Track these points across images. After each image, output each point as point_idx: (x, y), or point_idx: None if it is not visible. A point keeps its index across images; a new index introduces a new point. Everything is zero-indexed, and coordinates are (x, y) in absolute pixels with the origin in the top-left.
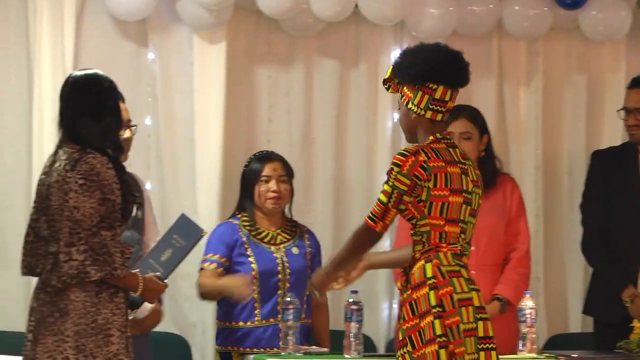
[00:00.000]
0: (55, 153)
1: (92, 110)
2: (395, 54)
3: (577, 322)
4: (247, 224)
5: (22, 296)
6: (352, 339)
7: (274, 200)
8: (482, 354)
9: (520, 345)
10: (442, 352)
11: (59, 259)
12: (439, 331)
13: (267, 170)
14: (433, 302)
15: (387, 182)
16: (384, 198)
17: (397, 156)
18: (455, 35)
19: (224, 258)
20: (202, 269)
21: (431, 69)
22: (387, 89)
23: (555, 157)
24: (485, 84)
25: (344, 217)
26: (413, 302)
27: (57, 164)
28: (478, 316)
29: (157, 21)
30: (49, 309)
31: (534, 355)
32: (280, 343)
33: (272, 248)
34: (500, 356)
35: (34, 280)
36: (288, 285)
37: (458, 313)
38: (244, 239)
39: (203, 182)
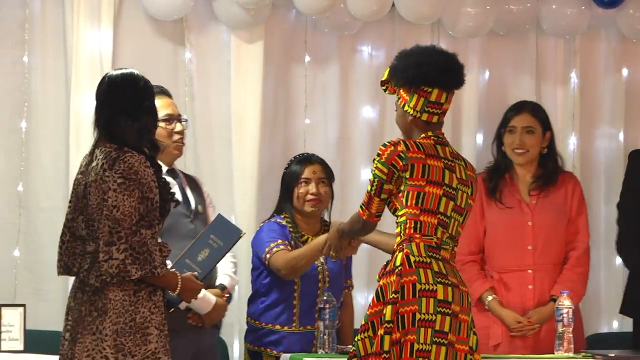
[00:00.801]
0: (92, 152)
1: (127, 109)
2: None
3: (613, 322)
4: (289, 225)
5: (58, 296)
6: None
7: (313, 203)
8: (434, 347)
9: (557, 344)
10: (387, 337)
11: (99, 258)
12: (388, 317)
13: (307, 172)
14: (394, 288)
15: (372, 173)
16: (368, 187)
17: (380, 147)
18: (492, 34)
19: (286, 242)
20: (272, 254)
21: (426, 73)
22: (385, 90)
23: (591, 156)
24: (522, 82)
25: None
26: (379, 289)
27: (94, 163)
28: (438, 309)
29: (194, 20)
30: (87, 308)
31: (571, 354)
32: (317, 342)
33: None
34: (537, 355)
35: (70, 280)
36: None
37: (417, 302)
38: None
39: (240, 182)
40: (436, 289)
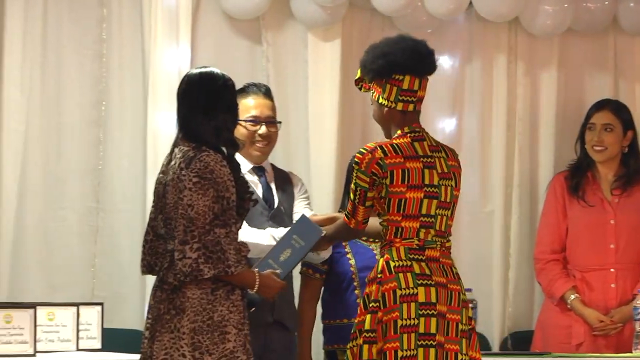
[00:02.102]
0: (172, 151)
1: (204, 108)
2: (512, 50)
3: None
4: None
5: (135, 295)
6: None
7: None
8: (421, 350)
9: (634, 343)
10: (366, 347)
11: (174, 257)
12: (367, 326)
13: None
14: (374, 297)
15: (352, 181)
16: (352, 196)
17: (357, 154)
18: (570, 32)
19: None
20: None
21: (393, 61)
22: (360, 89)
23: None
24: (600, 80)
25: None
26: (365, 297)
27: (172, 162)
28: (421, 312)
29: (271, 19)
30: (165, 306)
31: None
32: None
33: (372, 245)
34: (617, 355)
35: (149, 279)
36: None
37: (398, 309)
38: None
39: (317, 181)
40: (417, 292)
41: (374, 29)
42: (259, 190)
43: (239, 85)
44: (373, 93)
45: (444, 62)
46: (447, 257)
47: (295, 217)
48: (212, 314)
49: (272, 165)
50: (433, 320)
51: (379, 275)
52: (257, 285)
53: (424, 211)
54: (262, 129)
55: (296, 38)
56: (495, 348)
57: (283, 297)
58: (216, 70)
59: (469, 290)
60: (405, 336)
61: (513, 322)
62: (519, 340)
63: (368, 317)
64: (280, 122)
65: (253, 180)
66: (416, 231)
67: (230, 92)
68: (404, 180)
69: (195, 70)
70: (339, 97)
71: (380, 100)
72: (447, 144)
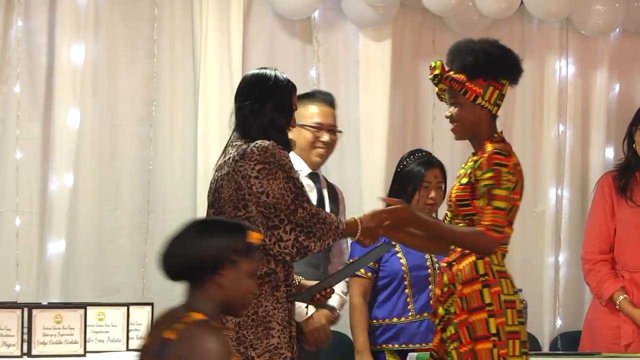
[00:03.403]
0: (225, 150)
1: (252, 106)
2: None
3: None
4: None
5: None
6: None
7: (431, 207)
8: (523, 357)
9: None
10: (495, 351)
11: (265, 244)
12: (493, 329)
13: (429, 176)
14: (487, 299)
15: (498, 187)
16: (502, 204)
17: (498, 156)
18: (622, 32)
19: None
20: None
21: (504, 66)
22: (437, 84)
23: None
24: None
25: None
26: (464, 297)
27: (227, 158)
28: (519, 320)
29: (322, 19)
30: None
31: None
32: None
33: None
34: None
35: None
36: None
37: (504, 314)
38: None
39: (369, 181)
40: (515, 300)
41: (425, 29)
42: (313, 195)
43: (292, 80)
44: (466, 92)
45: None
46: None
47: None
48: (257, 309)
49: (324, 176)
50: (524, 328)
51: (483, 278)
52: (359, 231)
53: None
54: (325, 136)
55: (347, 38)
56: (546, 348)
57: None
58: (269, 70)
59: (519, 290)
60: (511, 342)
61: (563, 322)
62: (569, 341)
63: (492, 320)
64: (341, 132)
65: (309, 184)
66: (509, 238)
67: (282, 92)
68: (521, 188)
69: (252, 71)
70: (389, 97)
71: (479, 101)
72: None
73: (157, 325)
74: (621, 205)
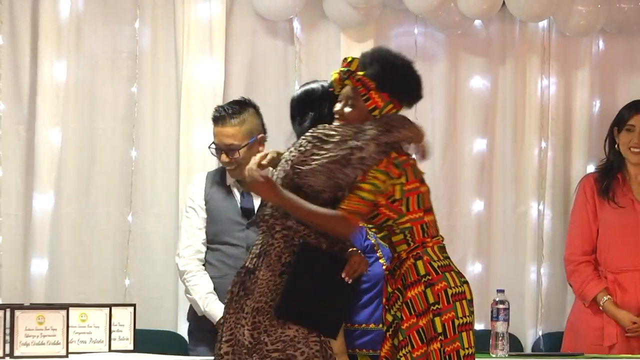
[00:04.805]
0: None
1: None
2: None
3: None
4: None
5: (167, 297)
6: (498, 339)
7: None
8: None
9: None
10: (443, 349)
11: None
12: (439, 329)
13: None
14: (431, 299)
15: (363, 182)
16: (365, 195)
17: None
18: (603, 33)
19: None
20: None
21: (413, 94)
22: (346, 78)
23: None
24: (633, 81)
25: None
26: (409, 302)
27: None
28: (471, 309)
29: (304, 20)
30: (237, 288)
31: None
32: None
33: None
34: None
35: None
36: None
37: (453, 308)
38: (373, 240)
39: None
40: (464, 290)
41: (407, 30)
42: (237, 200)
43: (274, 81)
44: (367, 99)
45: (477, 62)
46: None
47: None
48: (276, 296)
49: None
50: (474, 316)
51: (426, 278)
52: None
53: (431, 204)
54: (223, 157)
55: (329, 39)
56: (528, 349)
57: None
58: (313, 84)
59: (502, 291)
60: (464, 334)
61: (545, 323)
62: (552, 341)
63: (437, 319)
64: (239, 148)
65: (234, 191)
66: (436, 227)
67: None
68: (415, 176)
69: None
70: None
71: (375, 112)
72: (480, 144)
73: None
74: (603, 207)
